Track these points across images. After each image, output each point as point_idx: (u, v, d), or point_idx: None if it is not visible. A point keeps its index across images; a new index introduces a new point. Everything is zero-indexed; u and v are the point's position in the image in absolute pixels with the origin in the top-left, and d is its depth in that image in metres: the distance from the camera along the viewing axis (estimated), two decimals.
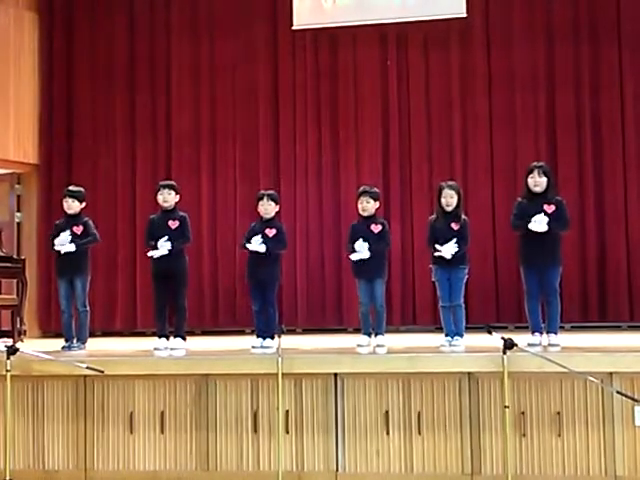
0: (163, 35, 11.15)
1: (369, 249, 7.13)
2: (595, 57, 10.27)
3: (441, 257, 7.00)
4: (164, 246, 7.27)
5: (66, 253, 7.40)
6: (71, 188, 7.73)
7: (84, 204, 7.64)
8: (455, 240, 6.96)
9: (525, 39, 10.39)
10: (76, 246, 7.38)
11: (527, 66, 10.37)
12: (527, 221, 6.75)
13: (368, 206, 7.31)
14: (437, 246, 6.99)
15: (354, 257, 7.17)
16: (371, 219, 7.33)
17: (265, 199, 7.36)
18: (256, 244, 7.17)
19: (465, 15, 10.33)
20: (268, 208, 7.35)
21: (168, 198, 7.46)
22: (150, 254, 7.32)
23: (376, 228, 7.30)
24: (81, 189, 7.72)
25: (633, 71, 10.15)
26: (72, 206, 7.54)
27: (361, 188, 7.47)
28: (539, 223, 6.70)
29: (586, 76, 10.27)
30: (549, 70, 10.36)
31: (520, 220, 6.85)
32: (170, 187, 7.53)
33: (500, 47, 10.47)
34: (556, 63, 10.34)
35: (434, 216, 7.24)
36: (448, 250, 6.93)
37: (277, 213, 7.46)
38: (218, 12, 11.07)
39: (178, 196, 7.56)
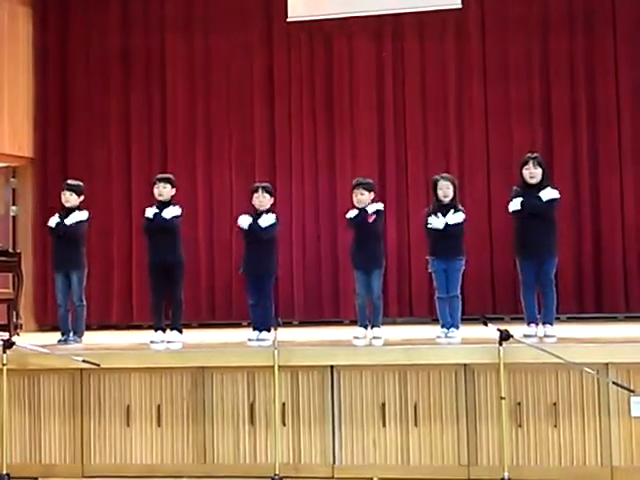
0: (158, 28, 11.13)
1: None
2: (590, 48, 10.26)
3: (438, 248, 7.03)
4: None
5: (62, 247, 7.41)
6: (69, 182, 7.74)
7: (82, 197, 7.63)
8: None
9: (520, 30, 10.37)
10: (65, 237, 7.40)
11: (522, 57, 10.36)
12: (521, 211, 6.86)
13: (363, 197, 7.32)
14: (429, 219, 7.08)
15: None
16: (366, 211, 7.34)
17: (260, 191, 7.38)
18: (244, 221, 7.28)
19: (460, 6, 10.32)
20: (263, 200, 7.37)
21: (163, 192, 7.47)
22: None
23: (370, 218, 7.32)
24: (79, 183, 7.72)
25: (628, 62, 10.14)
26: (70, 199, 7.55)
27: (355, 180, 7.48)
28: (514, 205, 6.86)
29: (581, 67, 10.27)
30: (544, 61, 10.34)
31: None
32: (166, 180, 7.54)
33: (495, 38, 10.46)
34: (551, 54, 10.32)
35: (430, 207, 7.24)
36: (439, 222, 6.97)
37: (272, 205, 7.46)
38: (213, 5, 11.04)
39: (174, 189, 7.55)
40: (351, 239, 7.46)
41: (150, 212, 7.49)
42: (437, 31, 10.60)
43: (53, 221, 7.49)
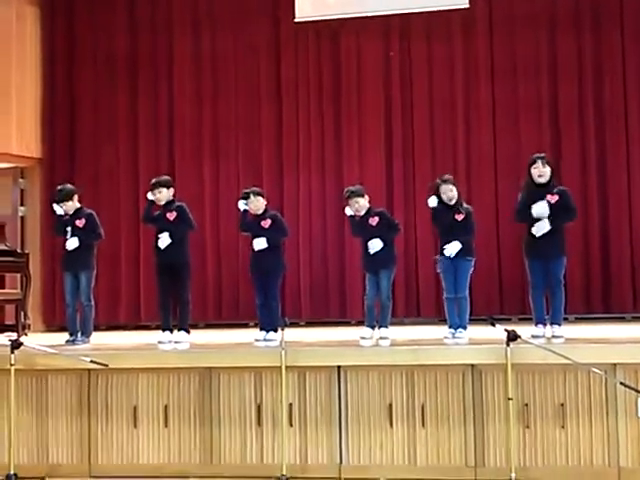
0: (165, 28, 11.13)
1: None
2: (598, 45, 10.24)
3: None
4: (164, 240, 7.30)
5: (73, 265, 7.44)
6: (59, 188, 7.65)
7: (76, 197, 7.61)
8: (458, 237, 7.00)
9: (527, 28, 10.35)
10: (79, 241, 7.39)
11: (530, 56, 10.34)
12: (530, 221, 6.81)
13: (360, 205, 7.33)
14: (438, 257, 7.14)
15: (371, 251, 7.23)
16: (368, 214, 7.35)
17: (252, 197, 7.43)
18: (259, 244, 7.31)
19: (467, 6, 10.30)
20: (257, 204, 7.45)
21: (160, 197, 7.49)
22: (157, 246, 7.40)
23: (373, 221, 7.32)
24: (65, 187, 7.62)
25: (636, 59, 10.11)
26: (68, 207, 7.54)
27: (346, 192, 7.45)
28: (542, 229, 6.73)
29: (589, 65, 10.24)
30: (552, 59, 10.32)
31: (524, 213, 6.88)
32: (160, 185, 7.52)
33: (503, 37, 10.44)
34: (559, 52, 10.30)
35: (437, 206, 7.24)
36: (452, 249, 6.96)
37: (266, 205, 7.52)
38: (220, 5, 11.04)
39: (172, 189, 7.56)
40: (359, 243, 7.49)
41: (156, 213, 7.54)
42: (444, 30, 10.58)
43: (72, 244, 7.43)
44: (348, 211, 7.39)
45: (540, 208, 6.74)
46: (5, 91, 10.55)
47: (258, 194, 7.48)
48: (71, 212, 7.53)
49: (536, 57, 10.35)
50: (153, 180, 7.65)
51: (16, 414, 6.19)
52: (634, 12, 10.14)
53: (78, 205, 7.59)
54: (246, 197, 7.46)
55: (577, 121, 10.22)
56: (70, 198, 7.56)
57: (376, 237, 7.22)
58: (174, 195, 7.58)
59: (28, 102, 10.92)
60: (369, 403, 6.10)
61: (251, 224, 7.46)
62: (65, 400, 6.46)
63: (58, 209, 7.54)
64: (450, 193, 7.09)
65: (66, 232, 7.48)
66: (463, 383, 5.99)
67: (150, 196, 7.55)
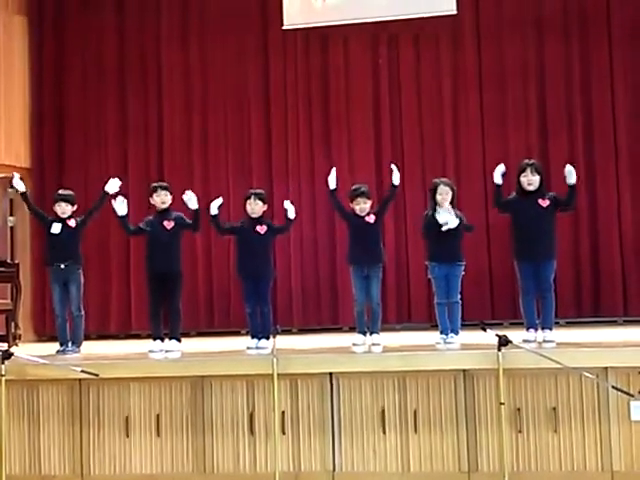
0: (154, 37, 11.12)
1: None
2: (585, 52, 10.27)
3: (438, 254, 7.02)
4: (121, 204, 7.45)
5: (60, 257, 7.42)
6: (61, 192, 7.75)
7: (75, 207, 7.64)
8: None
9: (515, 35, 10.38)
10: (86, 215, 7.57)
11: (518, 62, 10.37)
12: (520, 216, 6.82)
13: (366, 206, 7.33)
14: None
15: None
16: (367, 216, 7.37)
17: (252, 198, 7.41)
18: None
19: (455, 12, 10.33)
20: (255, 207, 7.40)
21: (165, 199, 7.49)
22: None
23: (370, 218, 7.33)
24: (71, 192, 7.74)
25: (623, 65, 10.14)
26: (66, 210, 7.56)
27: (356, 189, 7.42)
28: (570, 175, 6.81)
29: (577, 71, 10.27)
30: (540, 66, 10.35)
31: (505, 206, 6.94)
32: (166, 188, 7.57)
33: (490, 44, 10.47)
34: (546, 59, 10.34)
35: (429, 212, 7.23)
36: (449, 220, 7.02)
37: (264, 212, 7.47)
38: (208, 13, 11.03)
39: (171, 196, 7.58)
40: (348, 244, 7.46)
41: (150, 221, 7.52)
42: (432, 37, 10.60)
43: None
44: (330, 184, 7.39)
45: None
46: None
47: (259, 198, 7.43)
48: (64, 216, 7.54)
49: (524, 63, 10.37)
50: (159, 184, 7.71)
51: (7, 425, 6.17)
52: (621, 18, 10.17)
53: (70, 213, 7.59)
54: (248, 197, 7.43)
55: (565, 127, 10.25)
56: (74, 202, 7.65)
57: (372, 235, 7.25)
58: (170, 204, 7.57)
59: (16, 112, 10.88)
60: (362, 410, 6.10)
61: (243, 228, 7.41)
62: (57, 410, 6.44)
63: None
64: (446, 195, 7.12)
65: (51, 224, 7.52)
66: (455, 388, 6.00)
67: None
